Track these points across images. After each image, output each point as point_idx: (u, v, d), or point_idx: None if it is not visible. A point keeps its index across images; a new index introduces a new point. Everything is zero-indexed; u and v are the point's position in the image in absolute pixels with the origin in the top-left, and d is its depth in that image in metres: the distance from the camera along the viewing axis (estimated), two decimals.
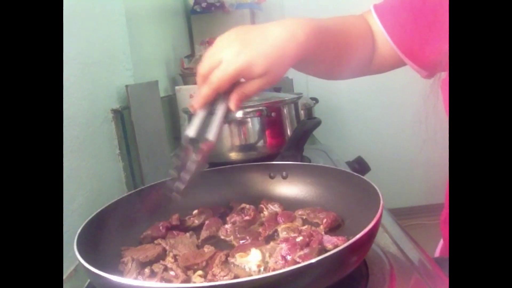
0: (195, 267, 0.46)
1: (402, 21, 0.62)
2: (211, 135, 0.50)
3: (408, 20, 0.61)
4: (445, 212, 0.73)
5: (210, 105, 0.52)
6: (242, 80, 0.51)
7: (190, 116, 0.96)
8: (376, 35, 0.65)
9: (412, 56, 0.62)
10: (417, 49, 0.61)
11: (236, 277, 0.42)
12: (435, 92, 0.60)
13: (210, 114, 0.52)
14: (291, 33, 0.51)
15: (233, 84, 0.51)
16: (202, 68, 0.51)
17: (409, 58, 0.62)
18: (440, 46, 0.57)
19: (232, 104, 0.51)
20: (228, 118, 0.52)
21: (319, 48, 0.56)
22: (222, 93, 0.51)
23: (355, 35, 0.63)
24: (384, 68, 0.68)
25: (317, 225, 0.54)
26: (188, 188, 0.52)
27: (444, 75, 0.59)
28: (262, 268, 0.44)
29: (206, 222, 0.57)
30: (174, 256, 0.49)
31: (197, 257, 0.47)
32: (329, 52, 0.60)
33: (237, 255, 0.46)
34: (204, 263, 0.46)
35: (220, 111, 0.51)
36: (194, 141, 0.51)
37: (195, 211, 0.60)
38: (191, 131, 0.50)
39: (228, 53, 0.49)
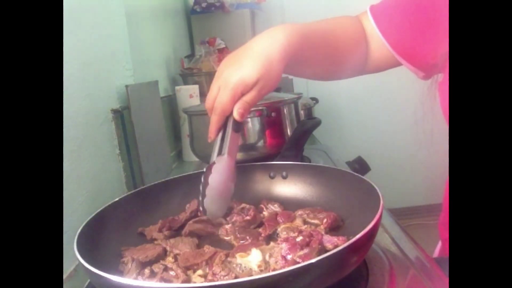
0: (195, 267, 0.46)
1: (397, 23, 0.62)
2: (224, 150, 0.56)
3: (403, 21, 0.61)
4: (443, 215, 0.73)
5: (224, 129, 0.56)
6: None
7: (190, 116, 0.96)
8: (371, 36, 0.65)
9: (407, 57, 0.62)
10: (412, 50, 0.61)
11: (236, 277, 0.42)
12: (432, 94, 0.60)
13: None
14: (271, 38, 0.55)
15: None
16: (207, 102, 0.56)
17: (405, 59, 0.63)
18: (435, 48, 0.57)
19: (235, 113, 0.54)
20: (238, 128, 0.56)
21: (306, 48, 0.58)
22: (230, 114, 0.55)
23: (347, 36, 0.64)
24: (380, 68, 0.68)
25: (317, 225, 0.54)
26: None
27: (441, 77, 0.59)
28: (262, 268, 0.44)
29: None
30: (174, 256, 0.49)
31: (197, 257, 0.47)
32: (320, 52, 0.62)
33: (237, 255, 0.46)
34: (204, 263, 0.46)
35: (229, 127, 0.56)
36: None
37: (187, 205, 0.61)
38: (214, 156, 0.56)
39: (221, 80, 0.54)
